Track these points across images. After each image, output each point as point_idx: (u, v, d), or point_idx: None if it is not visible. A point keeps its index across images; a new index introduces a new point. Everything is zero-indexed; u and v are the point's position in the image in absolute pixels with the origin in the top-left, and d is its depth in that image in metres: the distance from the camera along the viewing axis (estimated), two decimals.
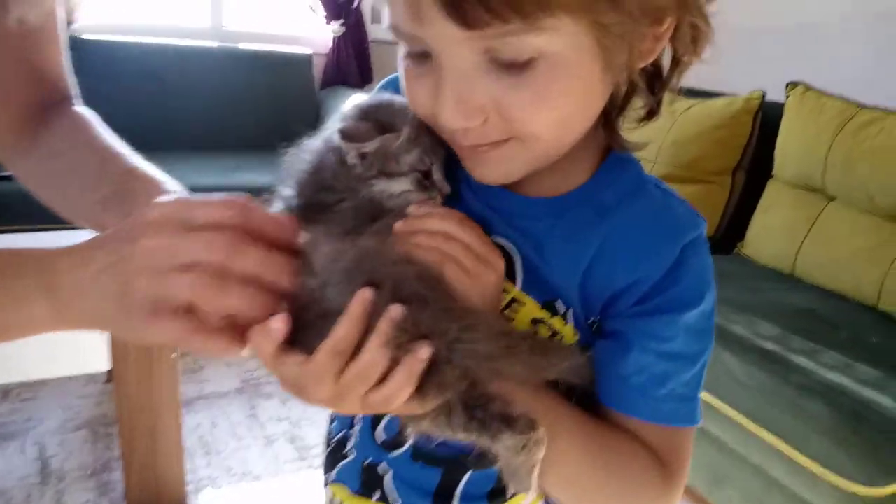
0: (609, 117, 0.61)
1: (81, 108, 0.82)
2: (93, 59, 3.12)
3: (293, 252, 0.54)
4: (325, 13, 3.61)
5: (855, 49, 2.54)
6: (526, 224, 0.63)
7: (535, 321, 0.61)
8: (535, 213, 0.63)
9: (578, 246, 0.62)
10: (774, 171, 2.41)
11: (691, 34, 0.55)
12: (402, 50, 0.58)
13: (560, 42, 0.50)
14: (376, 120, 0.59)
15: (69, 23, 3.03)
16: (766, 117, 2.45)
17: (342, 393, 0.51)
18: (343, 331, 0.50)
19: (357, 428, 0.71)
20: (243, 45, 3.54)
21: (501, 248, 0.62)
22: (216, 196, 0.53)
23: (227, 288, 0.50)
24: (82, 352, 1.64)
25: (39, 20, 0.74)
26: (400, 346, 0.50)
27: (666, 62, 0.60)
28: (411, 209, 0.59)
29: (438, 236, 0.57)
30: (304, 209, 0.60)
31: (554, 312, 0.61)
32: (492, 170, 0.60)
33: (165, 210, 0.52)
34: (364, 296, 0.50)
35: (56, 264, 0.53)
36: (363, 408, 0.53)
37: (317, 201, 0.60)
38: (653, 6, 0.51)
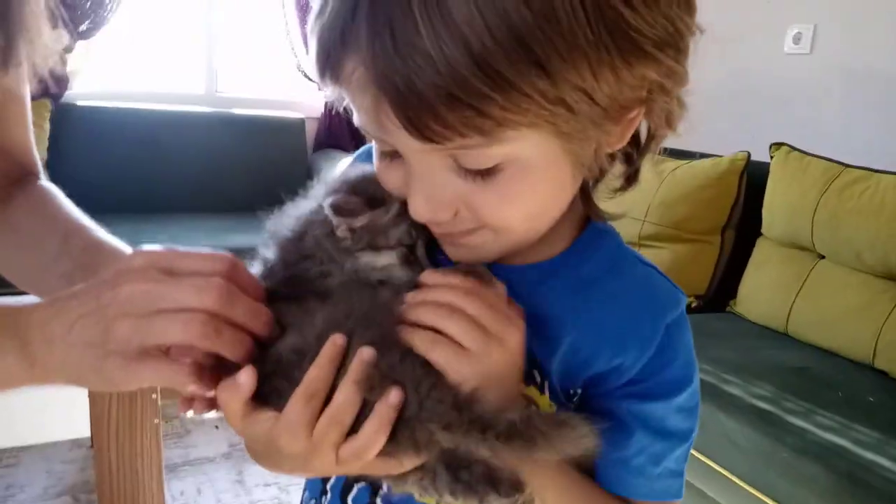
0: (585, 189, 0.62)
1: (46, 183, 0.82)
2: (88, 125, 3.17)
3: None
4: (317, 80, 3.67)
5: (836, 111, 2.60)
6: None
7: None
8: (513, 280, 0.62)
9: (557, 317, 0.61)
10: (763, 230, 2.43)
11: (664, 115, 0.56)
12: (375, 146, 0.58)
13: (524, 150, 0.50)
14: (365, 193, 0.59)
15: (67, 89, 3.09)
16: (752, 177, 2.48)
17: (316, 445, 0.51)
18: (315, 372, 0.51)
19: (327, 498, 0.69)
20: (237, 111, 3.59)
21: None
22: (201, 249, 0.53)
23: (222, 332, 0.49)
24: (65, 416, 1.60)
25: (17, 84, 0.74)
26: (372, 388, 0.51)
27: (643, 130, 0.60)
28: (425, 276, 0.58)
29: (443, 309, 0.54)
30: (285, 278, 0.60)
31: (530, 381, 0.60)
32: (466, 255, 0.61)
33: (150, 258, 0.52)
34: (336, 340, 0.52)
35: (28, 317, 0.52)
36: (337, 464, 0.52)
37: (300, 271, 0.60)
38: (616, 106, 0.50)
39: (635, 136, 0.60)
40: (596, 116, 0.49)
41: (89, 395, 1.58)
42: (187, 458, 2.29)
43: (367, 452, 0.51)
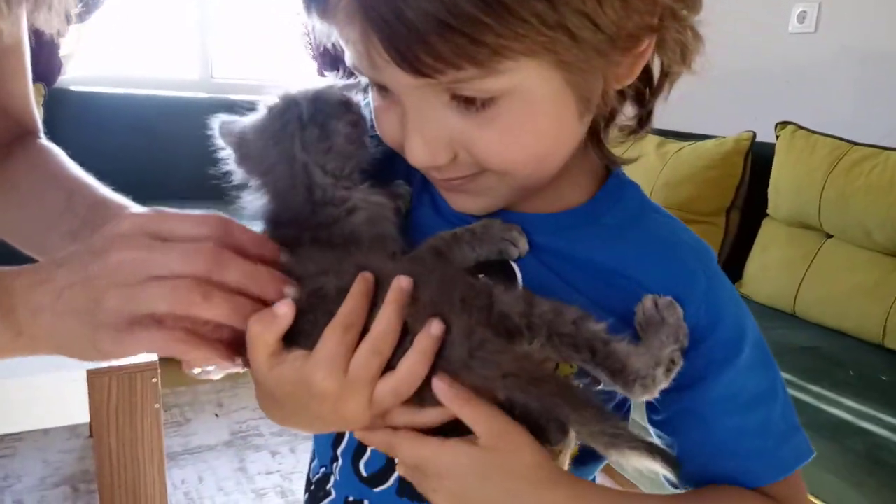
0: (596, 132, 0.58)
1: (47, 142, 0.79)
2: (83, 110, 3.12)
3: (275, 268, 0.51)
4: (319, 64, 3.63)
5: (841, 90, 2.57)
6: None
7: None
8: (532, 229, 0.59)
9: (583, 268, 0.58)
10: (769, 210, 2.40)
11: (678, 48, 0.53)
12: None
13: (523, 81, 0.47)
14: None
15: (59, 74, 3.03)
16: (757, 157, 2.45)
17: (351, 382, 0.48)
18: (351, 303, 0.49)
19: (338, 464, 0.66)
20: (233, 96, 3.54)
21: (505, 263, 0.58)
22: (192, 212, 0.51)
23: (211, 297, 0.46)
24: (62, 403, 1.56)
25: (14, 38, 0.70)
26: (412, 318, 0.49)
27: (656, 69, 0.57)
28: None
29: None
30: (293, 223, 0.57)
31: None
32: (470, 202, 0.58)
33: (137, 221, 0.49)
34: (365, 275, 0.50)
35: (10, 284, 0.49)
36: (370, 408, 0.49)
37: (309, 216, 0.57)
38: (623, 34, 0.47)
39: (647, 75, 0.56)
40: (601, 45, 0.46)
41: (88, 381, 1.54)
42: (187, 446, 2.26)
43: (405, 387, 0.48)
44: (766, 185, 2.40)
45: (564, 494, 0.51)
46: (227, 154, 0.62)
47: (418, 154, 0.51)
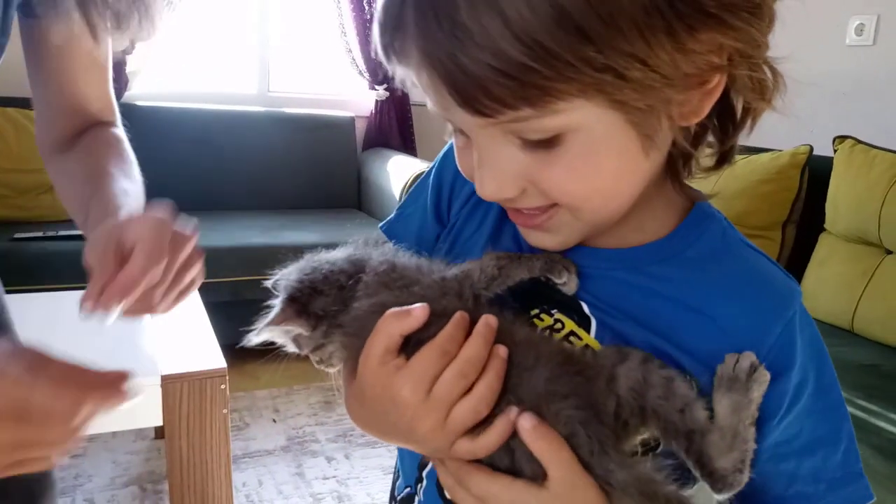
0: (674, 168, 0.59)
1: (117, 132, 0.91)
2: (146, 124, 3.23)
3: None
4: (369, 78, 3.71)
5: None
6: (595, 276, 0.61)
7: None
8: (606, 265, 0.61)
9: (660, 304, 0.59)
10: (826, 225, 2.38)
11: (755, 85, 0.52)
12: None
13: (581, 120, 0.48)
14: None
15: (126, 90, 3.16)
16: (814, 171, 2.43)
17: (431, 402, 0.53)
18: (450, 332, 0.53)
19: (423, 486, 0.69)
20: (288, 110, 3.64)
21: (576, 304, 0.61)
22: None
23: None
24: (134, 407, 1.63)
25: (63, 39, 0.80)
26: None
27: (739, 105, 0.56)
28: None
29: None
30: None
31: None
32: (544, 238, 0.59)
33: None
34: (463, 314, 0.55)
35: None
36: (444, 429, 0.53)
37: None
38: (680, 74, 0.47)
39: (730, 111, 0.56)
40: (655, 84, 0.46)
41: (162, 386, 1.62)
42: (247, 450, 2.33)
43: (483, 405, 0.52)
44: (824, 199, 2.38)
45: None
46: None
47: (487, 187, 0.54)
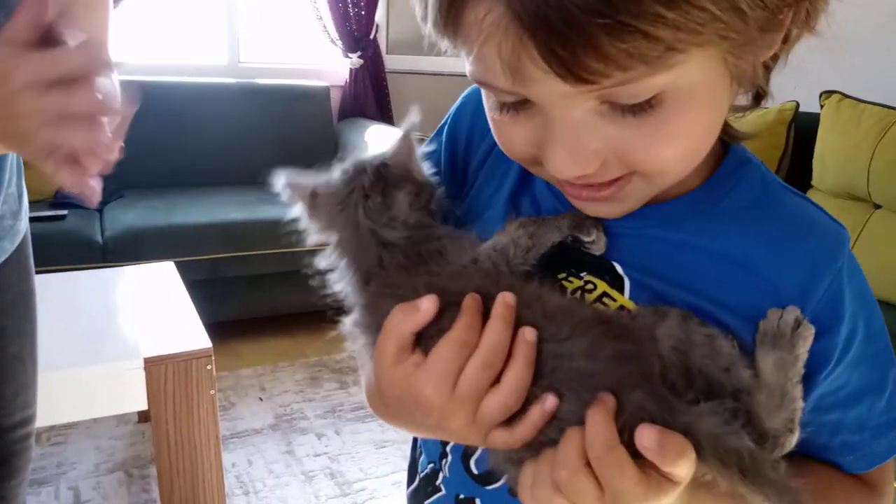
0: None
1: None
2: None
3: None
4: (342, 46, 3.61)
5: (888, 57, 2.50)
6: (627, 234, 0.57)
7: None
8: (641, 223, 0.56)
9: (698, 260, 0.55)
10: (814, 182, 2.36)
11: (807, 10, 0.49)
12: (489, 99, 0.52)
13: (689, 74, 0.43)
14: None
15: None
16: (801, 127, 2.40)
17: (458, 398, 0.48)
18: (465, 320, 0.49)
19: (448, 461, 0.65)
20: (261, 81, 3.53)
21: (607, 263, 0.57)
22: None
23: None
24: (118, 391, 1.58)
25: None
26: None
27: None
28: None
29: None
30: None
31: None
32: (609, 208, 0.54)
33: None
34: (474, 296, 0.50)
35: None
36: (473, 423, 0.49)
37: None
38: (777, 5, 0.44)
39: None
40: (763, 21, 0.43)
41: (145, 370, 1.56)
42: (234, 430, 2.28)
43: (513, 398, 0.48)
44: (811, 156, 2.35)
45: None
46: (294, 206, 0.63)
47: (566, 167, 0.48)
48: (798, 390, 0.51)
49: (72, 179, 0.59)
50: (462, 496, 0.63)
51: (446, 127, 0.69)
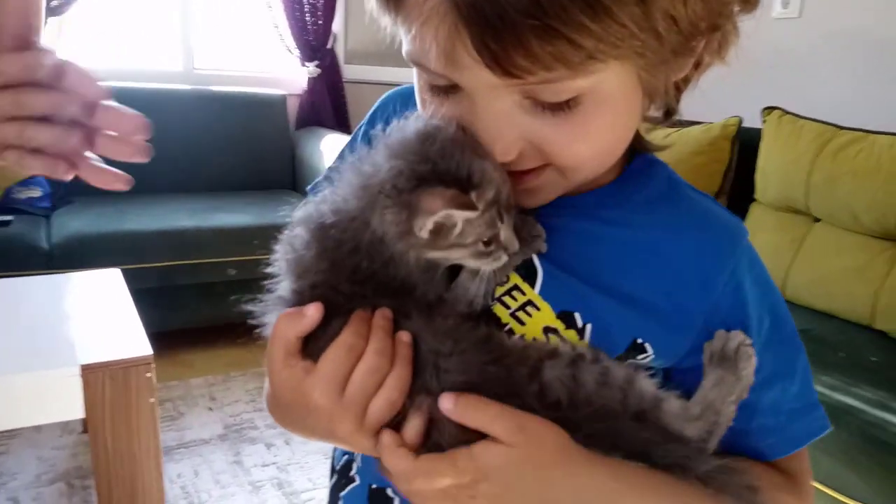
0: None
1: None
2: None
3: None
4: (299, 55, 3.60)
5: (826, 75, 2.59)
6: (546, 224, 0.59)
7: (548, 330, 0.57)
8: (553, 211, 0.59)
9: (604, 251, 0.58)
10: (756, 195, 2.42)
11: (719, 42, 0.53)
12: (420, 79, 0.55)
13: (602, 81, 0.47)
14: (449, 172, 0.49)
15: None
16: (744, 142, 2.47)
17: (346, 403, 0.50)
18: (356, 325, 0.51)
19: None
20: (216, 88, 3.50)
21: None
22: None
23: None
24: (55, 399, 1.55)
25: None
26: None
27: None
28: None
29: None
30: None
31: (570, 325, 0.57)
32: (528, 199, 0.57)
33: None
34: (384, 311, 0.53)
35: None
36: (362, 428, 0.51)
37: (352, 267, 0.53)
38: (696, 32, 0.48)
39: None
40: (677, 45, 0.48)
41: (82, 377, 1.53)
42: (182, 440, 2.25)
43: (396, 394, 0.50)
44: (754, 170, 2.42)
45: (602, 473, 0.51)
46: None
47: None
48: (729, 409, 0.55)
49: (43, 171, 0.60)
50: (375, 486, 0.64)
51: (364, 126, 0.71)
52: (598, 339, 0.56)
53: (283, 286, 0.56)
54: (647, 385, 0.53)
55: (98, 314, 1.85)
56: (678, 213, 0.60)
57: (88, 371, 1.53)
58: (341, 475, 0.68)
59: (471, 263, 0.53)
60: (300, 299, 0.53)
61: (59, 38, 3.08)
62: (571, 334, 0.56)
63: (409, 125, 0.53)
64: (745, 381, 0.55)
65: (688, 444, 0.53)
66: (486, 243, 0.51)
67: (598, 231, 0.59)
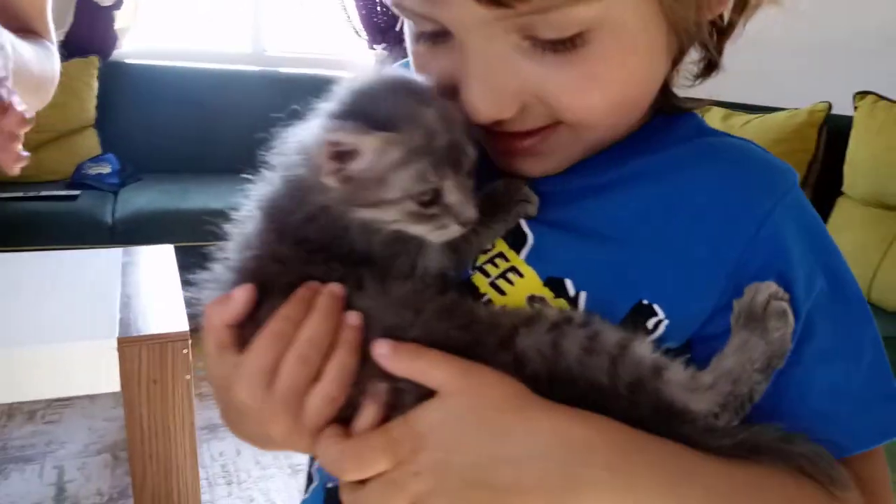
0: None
1: (48, 46, 0.89)
2: (137, 82, 3.14)
3: None
4: (367, 38, 3.57)
5: None
6: (548, 189, 0.50)
7: (533, 299, 0.48)
8: (564, 176, 0.51)
9: (606, 202, 0.49)
10: (844, 188, 2.22)
11: None
12: (409, 29, 0.47)
13: (618, 11, 0.39)
14: (374, 114, 0.43)
15: (115, 47, 3.05)
16: (833, 130, 2.27)
17: (276, 399, 0.42)
18: (288, 309, 0.43)
19: None
20: (284, 70, 3.51)
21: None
22: None
23: None
24: (91, 371, 1.55)
25: None
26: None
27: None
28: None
29: None
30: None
31: (559, 294, 0.47)
32: (532, 164, 0.49)
33: None
34: (309, 285, 0.45)
35: None
36: (301, 427, 0.42)
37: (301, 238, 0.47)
38: None
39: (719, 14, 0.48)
40: None
41: (119, 350, 1.52)
42: None
43: (336, 389, 0.42)
44: (842, 160, 2.22)
45: (570, 422, 0.41)
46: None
47: (481, 106, 0.43)
48: (752, 379, 0.43)
49: None
50: (330, 485, 0.57)
51: None
52: (595, 306, 0.46)
53: (223, 265, 0.49)
54: (645, 350, 0.43)
55: (144, 289, 1.85)
56: (702, 149, 0.50)
57: (125, 344, 1.53)
58: (308, 475, 0.61)
59: (412, 230, 0.44)
60: (238, 278, 0.46)
61: (133, 20, 3.14)
62: (561, 303, 0.47)
63: (364, 76, 0.46)
64: (777, 344, 0.43)
65: (693, 421, 0.43)
66: (425, 204, 0.43)
67: (602, 182, 0.49)
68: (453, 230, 0.44)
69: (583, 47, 0.40)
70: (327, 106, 0.46)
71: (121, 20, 3.08)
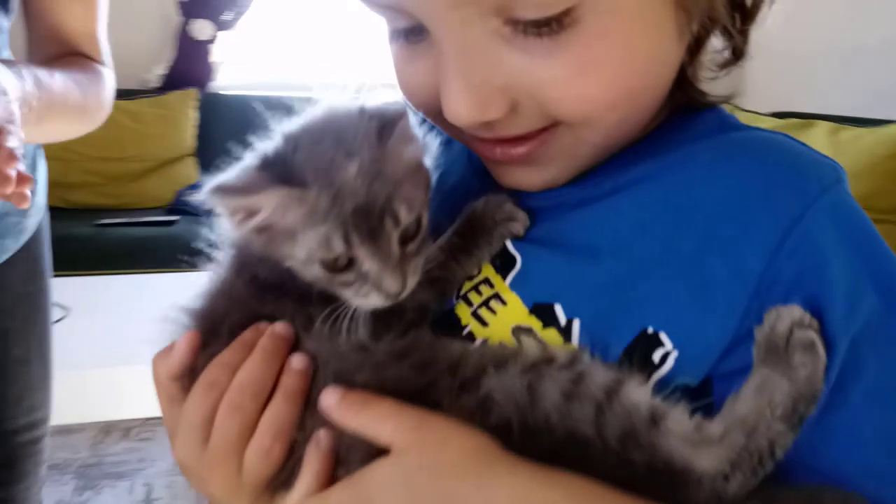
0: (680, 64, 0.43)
1: (99, 69, 0.89)
2: (232, 112, 3.26)
3: None
4: None
5: None
6: (543, 205, 0.46)
7: (519, 332, 0.42)
8: (554, 195, 0.47)
9: (608, 212, 0.43)
10: None
11: None
12: (385, 27, 0.44)
13: None
14: (285, 163, 0.41)
15: (212, 79, 3.19)
16: None
17: (212, 454, 0.39)
18: (226, 355, 0.41)
19: None
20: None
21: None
22: None
23: None
24: None
25: None
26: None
27: None
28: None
29: None
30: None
31: (549, 323, 0.41)
32: (533, 175, 0.43)
33: None
34: (257, 327, 0.43)
35: None
36: (241, 484, 0.39)
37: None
38: None
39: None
40: None
41: None
42: None
43: (274, 442, 0.38)
44: None
45: (534, 484, 0.35)
46: None
47: (462, 107, 0.38)
48: (775, 430, 0.35)
49: None
50: None
51: None
52: (590, 336, 0.40)
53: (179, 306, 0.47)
54: (640, 395, 0.36)
55: None
56: (720, 146, 0.43)
57: None
58: None
59: (339, 291, 0.41)
60: (189, 320, 0.45)
61: (229, 52, 3.28)
62: (551, 334, 0.41)
63: (313, 112, 0.45)
64: (804, 384, 0.35)
65: (698, 483, 0.35)
66: (340, 270, 0.40)
67: (600, 192, 0.44)
68: (374, 300, 0.40)
69: (571, 28, 0.35)
70: (260, 145, 0.45)
71: (216, 54, 3.23)
